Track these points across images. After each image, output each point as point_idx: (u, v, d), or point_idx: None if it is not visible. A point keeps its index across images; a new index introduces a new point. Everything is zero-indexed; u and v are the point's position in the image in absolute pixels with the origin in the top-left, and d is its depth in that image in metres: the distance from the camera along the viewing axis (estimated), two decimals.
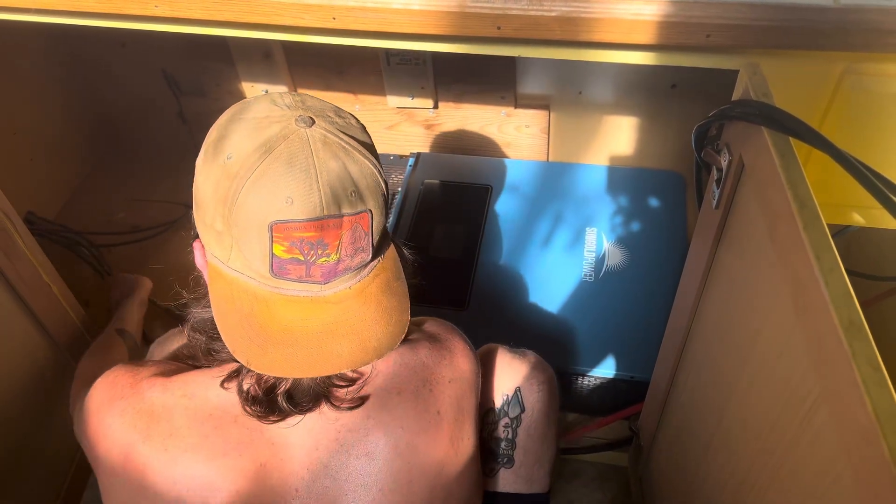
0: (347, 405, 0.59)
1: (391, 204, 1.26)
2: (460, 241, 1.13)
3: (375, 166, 0.55)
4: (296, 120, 0.54)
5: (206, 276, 0.60)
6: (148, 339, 1.06)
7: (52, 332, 0.95)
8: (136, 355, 0.97)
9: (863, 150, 0.49)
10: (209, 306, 0.59)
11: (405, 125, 1.34)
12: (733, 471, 0.60)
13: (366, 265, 0.57)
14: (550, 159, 1.32)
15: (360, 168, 0.54)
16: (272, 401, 0.58)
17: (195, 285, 0.63)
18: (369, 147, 0.56)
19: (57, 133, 1.39)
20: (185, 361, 0.65)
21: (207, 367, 0.62)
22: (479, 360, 0.69)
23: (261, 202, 0.52)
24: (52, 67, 1.35)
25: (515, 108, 1.25)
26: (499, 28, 0.60)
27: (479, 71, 1.21)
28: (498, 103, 1.25)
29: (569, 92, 1.21)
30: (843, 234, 0.77)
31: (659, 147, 1.25)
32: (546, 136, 1.28)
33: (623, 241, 1.11)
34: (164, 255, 1.31)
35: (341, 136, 0.55)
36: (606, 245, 1.11)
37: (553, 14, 0.58)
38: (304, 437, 0.60)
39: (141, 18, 0.69)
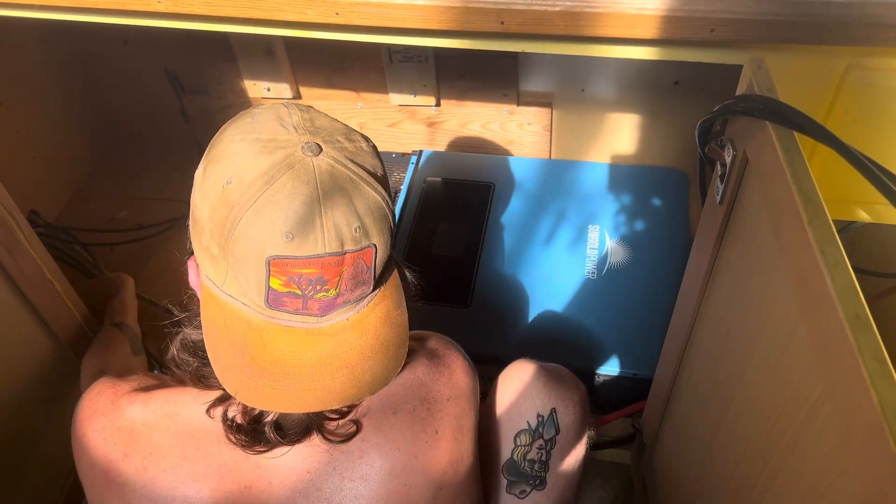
0: (339, 439, 0.57)
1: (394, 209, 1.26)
2: (463, 239, 1.13)
3: (384, 197, 0.53)
4: (303, 147, 0.51)
5: (199, 297, 0.58)
6: None
7: (55, 329, 0.95)
8: (139, 346, 0.97)
9: (868, 144, 0.49)
10: (200, 327, 0.57)
11: (407, 123, 1.33)
12: (737, 466, 0.60)
13: (366, 296, 0.56)
14: (553, 157, 1.32)
15: (367, 202, 0.52)
16: (258, 431, 0.56)
17: (189, 303, 0.61)
18: (378, 175, 0.54)
19: (59, 132, 1.39)
20: (170, 378, 0.63)
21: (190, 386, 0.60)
22: (476, 376, 0.67)
23: (260, 235, 0.49)
24: (54, 66, 1.35)
25: (518, 105, 1.25)
26: (502, 23, 0.60)
27: (482, 68, 1.21)
28: (500, 101, 1.25)
29: (571, 89, 1.21)
30: (847, 230, 0.76)
31: (662, 144, 1.25)
32: (548, 133, 1.28)
33: (626, 239, 1.11)
34: (167, 253, 1.31)
35: (350, 165, 0.52)
36: (609, 242, 1.11)
37: (557, 9, 0.58)
38: (294, 459, 0.58)
39: (143, 14, 0.69)
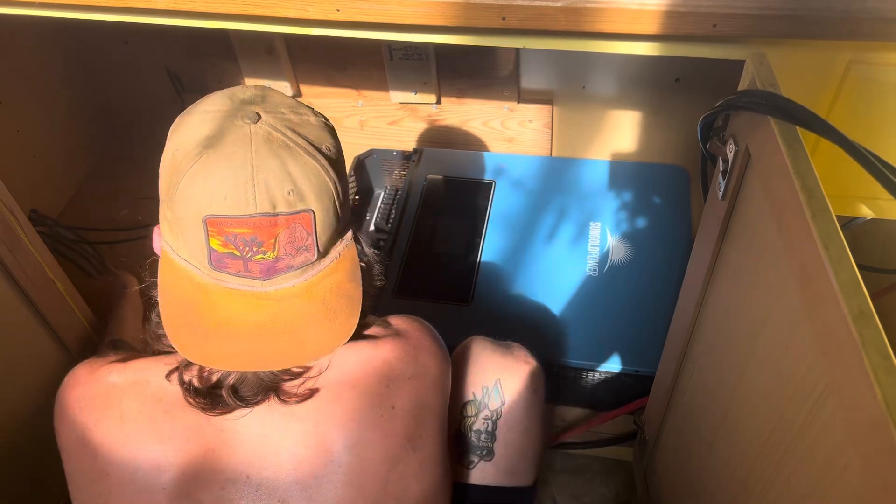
0: (296, 399, 0.59)
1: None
2: (464, 237, 1.13)
3: (324, 167, 0.55)
4: (241, 115, 0.54)
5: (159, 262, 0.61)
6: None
7: (56, 328, 0.95)
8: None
9: (870, 139, 0.49)
10: None
11: (408, 120, 1.33)
12: (739, 462, 0.60)
13: (312, 265, 0.57)
14: (554, 154, 1.32)
15: (304, 167, 0.54)
16: (216, 394, 0.58)
17: (152, 269, 0.64)
18: (322, 149, 0.56)
19: (60, 131, 1.39)
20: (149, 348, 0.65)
21: (167, 353, 0.62)
22: (448, 359, 0.69)
23: (197, 196, 0.53)
24: (54, 65, 1.35)
25: (519, 103, 1.25)
26: (504, 19, 0.60)
27: (483, 66, 1.21)
28: (501, 98, 1.25)
29: (572, 86, 1.21)
30: (850, 226, 0.76)
31: (663, 141, 1.25)
32: (549, 130, 1.28)
33: (627, 236, 1.11)
34: None
35: (288, 133, 0.55)
36: (610, 240, 1.11)
37: (558, 4, 0.58)
38: (254, 424, 0.59)
39: (143, 11, 0.69)
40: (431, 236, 1.14)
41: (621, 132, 1.25)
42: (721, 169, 0.61)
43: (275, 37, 1.22)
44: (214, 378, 0.59)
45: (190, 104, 0.61)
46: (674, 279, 1.02)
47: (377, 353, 0.63)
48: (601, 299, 1.03)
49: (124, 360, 0.63)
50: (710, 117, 0.61)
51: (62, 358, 0.97)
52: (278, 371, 0.59)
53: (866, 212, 0.67)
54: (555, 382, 1.01)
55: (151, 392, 0.60)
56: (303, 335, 0.57)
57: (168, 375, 0.60)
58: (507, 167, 1.24)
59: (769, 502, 0.53)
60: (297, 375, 0.60)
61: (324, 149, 0.56)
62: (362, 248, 0.63)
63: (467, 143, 1.34)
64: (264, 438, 0.59)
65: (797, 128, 0.49)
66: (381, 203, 1.26)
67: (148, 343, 0.64)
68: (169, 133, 0.59)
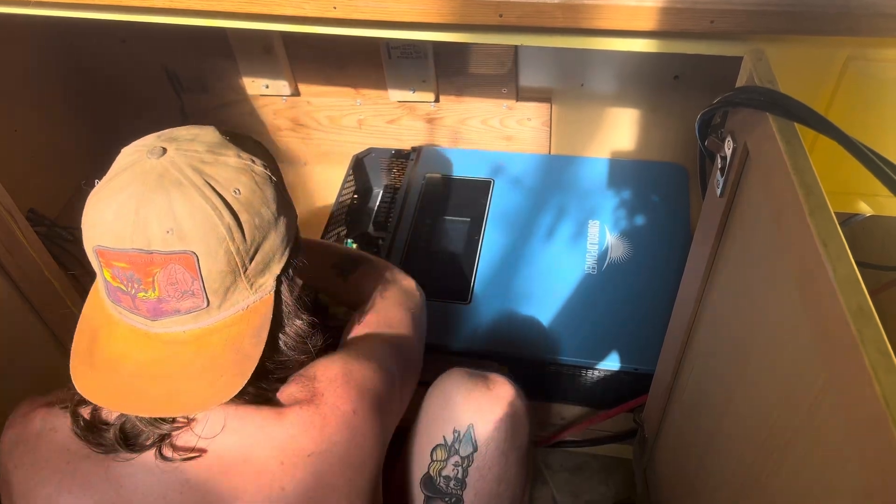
0: (181, 455, 0.56)
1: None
2: (462, 235, 1.13)
3: (217, 209, 0.52)
4: (151, 150, 0.54)
5: None
6: None
7: (53, 327, 0.95)
8: None
9: (869, 135, 0.48)
10: None
11: (406, 119, 1.33)
12: (739, 460, 0.60)
13: (204, 312, 0.54)
14: (553, 152, 1.32)
15: (191, 207, 0.51)
16: (101, 431, 0.57)
17: None
18: (226, 190, 0.53)
19: (58, 130, 1.39)
20: None
21: None
22: (376, 425, 0.62)
23: (90, 223, 0.53)
24: (52, 64, 1.35)
25: (517, 101, 1.25)
26: (501, 16, 0.60)
27: (481, 64, 1.20)
28: (499, 96, 1.25)
29: (571, 84, 1.21)
30: (849, 223, 0.76)
31: (661, 139, 1.25)
32: (548, 129, 1.27)
33: (626, 234, 1.11)
34: None
35: (186, 171, 0.53)
36: (609, 238, 1.11)
37: (556, 1, 0.58)
38: (151, 484, 0.57)
39: (140, 10, 0.69)
40: (430, 235, 1.14)
41: (620, 130, 1.25)
42: (719, 166, 0.61)
43: (273, 35, 1.22)
44: (104, 416, 0.57)
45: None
46: (672, 276, 1.02)
47: (277, 424, 0.58)
48: (600, 297, 1.03)
49: (52, 403, 0.61)
50: (708, 114, 0.61)
51: (59, 357, 0.97)
52: (156, 420, 0.56)
53: (865, 208, 0.67)
54: (554, 380, 1.01)
55: (60, 441, 0.58)
56: (179, 386, 0.54)
57: (67, 407, 0.58)
58: (506, 165, 1.24)
59: (768, 499, 0.53)
60: (179, 427, 0.56)
61: (228, 191, 0.53)
62: (295, 310, 0.60)
63: (466, 141, 1.34)
64: (161, 500, 0.57)
65: (795, 124, 0.49)
66: (380, 202, 1.26)
67: None
68: None
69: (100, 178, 0.56)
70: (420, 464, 0.71)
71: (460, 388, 0.71)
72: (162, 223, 0.51)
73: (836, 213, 0.43)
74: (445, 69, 1.22)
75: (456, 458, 0.70)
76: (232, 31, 1.22)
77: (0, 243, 0.85)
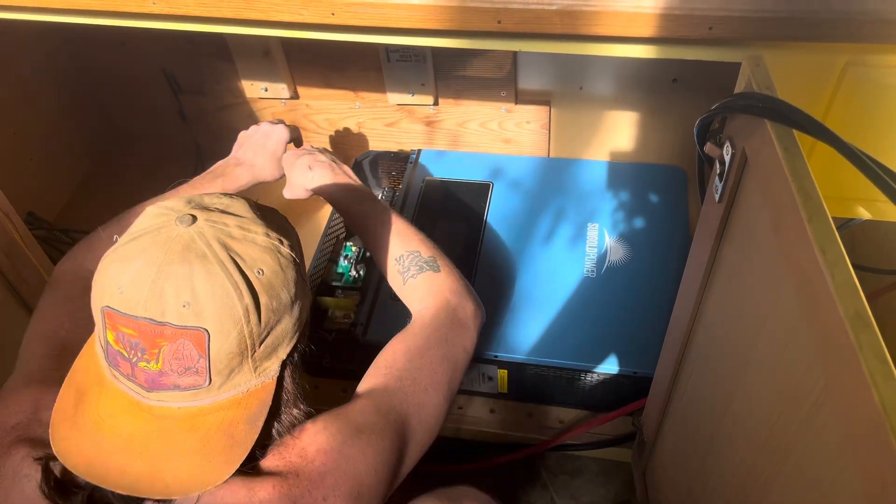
0: None
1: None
2: (462, 238, 1.13)
3: (239, 289, 0.50)
4: (180, 216, 0.51)
5: None
6: None
7: None
8: None
9: (867, 141, 0.48)
10: None
11: (405, 122, 1.33)
12: (738, 464, 0.60)
13: (204, 391, 0.52)
14: (551, 155, 1.32)
15: (212, 284, 0.49)
16: (70, 493, 0.53)
17: None
18: (251, 270, 0.51)
19: (56, 133, 1.39)
20: None
21: None
22: None
23: (101, 282, 0.51)
24: (51, 67, 1.35)
25: (516, 104, 1.25)
26: (499, 22, 0.60)
27: (480, 67, 1.20)
28: (498, 99, 1.25)
29: (569, 87, 1.21)
30: (847, 227, 0.76)
31: (660, 142, 1.25)
32: (547, 131, 1.28)
33: (625, 237, 1.11)
34: None
35: (214, 244, 0.51)
36: (608, 241, 1.11)
37: (554, 8, 0.58)
38: None
39: (139, 16, 0.69)
40: (429, 237, 1.14)
41: (619, 133, 1.25)
42: (718, 171, 0.61)
43: (271, 39, 1.22)
44: (77, 479, 0.53)
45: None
46: (671, 280, 1.02)
47: (248, 498, 0.53)
48: (599, 300, 1.03)
49: (35, 441, 0.57)
50: (706, 120, 0.61)
51: None
52: (133, 498, 0.52)
53: (863, 213, 0.68)
54: (553, 384, 1.01)
55: (30, 494, 0.55)
56: (166, 466, 0.51)
57: (41, 460, 0.54)
58: (505, 168, 1.24)
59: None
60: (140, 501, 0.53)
61: (252, 271, 0.51)
62: (294, 399, 0.57)
63: (465, 144, 1.34)
64: None
65: (794, 130, 0.49)
66: None
67: None
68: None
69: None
70: None
71: None
72: (180, 296, 0.49)
73: (834, 218, 0.43)
74: (444, 72, 1.23)
75: None
76: (230, 35, 1.22)
77: None
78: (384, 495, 0.60)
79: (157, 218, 0.53)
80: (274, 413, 0.56)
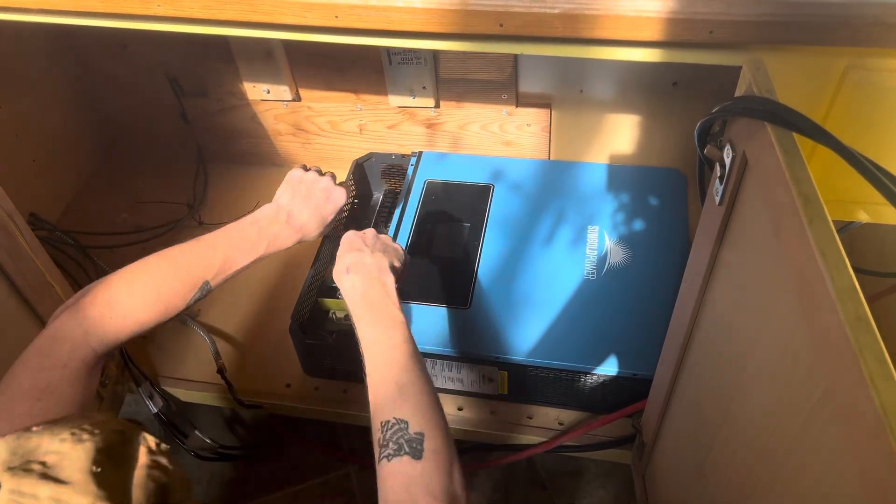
0: None
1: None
2: (462, 240, 1.13)
3: None
4: None
5: None
6: None
7: None
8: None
9: (867, 145, 0.49)
10: None
11: (406, 124, 1.34)
12: (737, 467, 0.60)
13: None
14: (552, 158, 1.32)
15: None
16: None
17: None
18: None
19: (59, 135, 1.39)
20: None
21: None
22: None
23: None
24: (54, 69, 1.35)
25: (517, 106, 1.25)
26: (501, 25, 0.60)
27: (481, 70, 1.21)
28: (499, 102, 1.25)
29: (570, 90, 1.21)
30: (847, 230, 0.76)
31: (661, 145, 1.25)
32: (547, 134, 1.28)
33: (625, 239, 1.11)
34: None
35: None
36: (609, 243, 1.11)
37: (556, 11, 0.58)
38: None
39: (143, 18, 0.69)
40: (430, 239, 1.14)
41: (619, 136, 1.26)
42: (718, 174, 0.61)
43: (273, 41, 1.22)
44: None
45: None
46: (672, 282, 1.02)
47: None
48: (599, 302, 1.03)
49: None
50: (707, 123, 0.62)
51: None
52: None
53: (863, 216, 0.68)
54: (553, 385, 1.02)
55: None
56: None
57: None
58: (506, 171, 1.25)
59: None
60: None
61: None
62: None
63: (466, 146, 1.34)
64: None
65: (794, 134, 0.50)
66: (380, 206, 1.26)
67: None
68: None
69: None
70: None
71: None
72: None
73: (835, 221, 0.43)
74: (446, 75, 1.23)
75: None
76: (233, 37, 1.23)
77: (1, 247, 0.85)
78: None
79: None
80: None
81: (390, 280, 0.78)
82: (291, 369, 1.13)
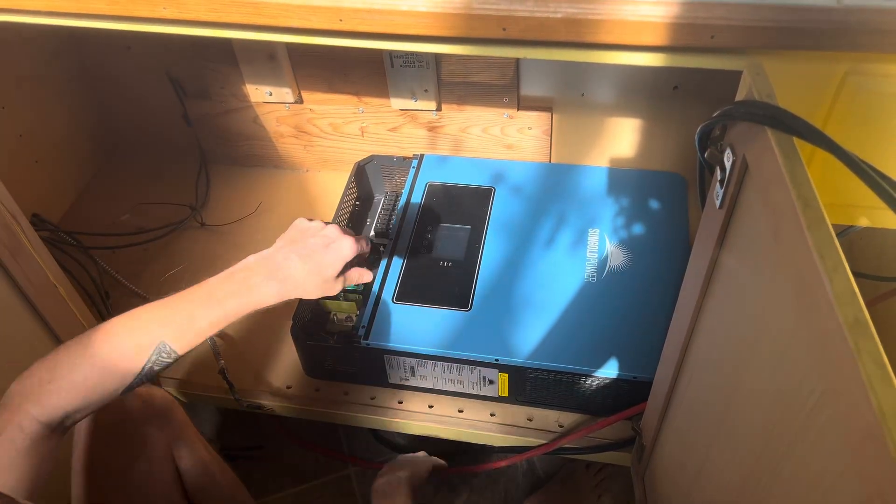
0: None
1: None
2: (463, 243, 1.14)
3: None
4: None
5: None
6: None
7: (58, 333, 0.95)
8: None
9: (866, 149, 0.49)
10: None
11: (408, 127, 1.34)
12: (736, 470, 0.60)
13: None
14: (553, 161, 1.33)
15: None
16: None
17: None
18: None
19: (62, 135, 1.40)
20: None
21: None
22: None
23: None
24: (56, 70, 1.36)
25: (518, 110, 1.26)
26: (504, 29, 0.61)
27: (482, 73, 1.21)
28: (501, 105, 1.26)
29: (571, 94, 1.22)
30: (846, 234, 0.77)
31: (661, 148, 1.26)
32: (548, 137, 1.28)
33: (626, 243, 1.12)
34: (169, 256, 1.32)
35: None
36: (609, 246, 1.11)
37: (559, 16, 0.59)
38: None
39: (148, 20, 0.70)
40: (431, 242, 1.14)
41: (620, 139, 1.26)
42: (719, 178, 0.62)
43: (277, 44, 1.23)
44: None
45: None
46: (671, 285, 1.02)
47: None
48: (599, 305, 1.03)
49: None
50: (707, 127, 0.62)
51: None
52: None
53: (863, 220, 0.68)
54: (553, 387, 1.02)
55: None
56: None
57: None
58: (507, 174, 1.25)
59: None
60: None
61: None
62: None
63: (467, 149, 1.35)
64: None
65: (794, 138, 0.50)
66: (381, 209, 1.27)
67: None
68: None
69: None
70: None
71: None
72: None
73: (834, 225, 0.44)
74: (447, 78, 1.23)
75: None
76: (236, 39, 1.23)
77: (4, 248, 0.85)
78: None
79: None
80: None
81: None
82: (292, 370, 1.13)
